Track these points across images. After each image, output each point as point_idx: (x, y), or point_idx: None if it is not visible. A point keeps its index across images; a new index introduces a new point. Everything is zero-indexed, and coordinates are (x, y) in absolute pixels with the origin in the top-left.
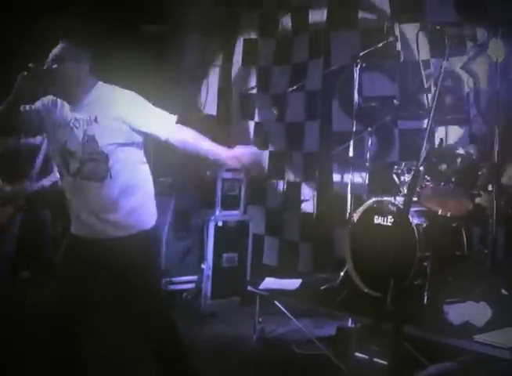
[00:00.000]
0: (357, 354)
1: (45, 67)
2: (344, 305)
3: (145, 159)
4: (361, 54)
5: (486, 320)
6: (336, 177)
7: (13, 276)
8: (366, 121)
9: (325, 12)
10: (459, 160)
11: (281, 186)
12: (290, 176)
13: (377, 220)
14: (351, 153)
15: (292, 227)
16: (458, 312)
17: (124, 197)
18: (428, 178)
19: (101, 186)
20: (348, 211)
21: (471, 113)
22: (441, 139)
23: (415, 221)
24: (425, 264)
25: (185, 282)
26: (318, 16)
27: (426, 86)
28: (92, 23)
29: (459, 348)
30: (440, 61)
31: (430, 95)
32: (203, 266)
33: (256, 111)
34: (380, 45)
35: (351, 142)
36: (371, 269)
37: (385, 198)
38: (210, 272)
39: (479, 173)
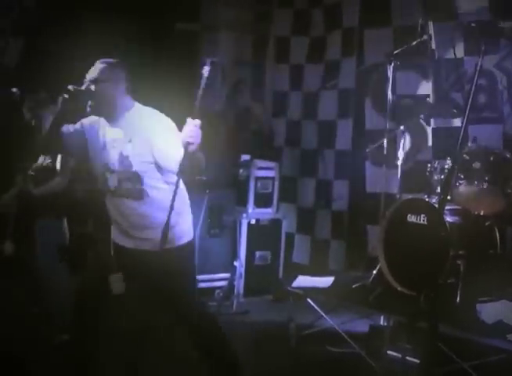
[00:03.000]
0: (389, 352)
1: (83, 88)
2: (376, 304)
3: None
4: (395, 52)
5: None
6: (369, 175)
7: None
8: (399, 120)
9: (358, 9)
10: (492, 158)
11: (313, 183)
12: (322, 174)
13: (411, 218)
14: (384, 152)
15: (323, 225)
16: (491, 311)
17: (160, 216)
18: (461, 176)
19: (138, 204)
20: (381, 209)
21: (505, 111)
22: (475, 138)
23: (448, 219)
24: (458, 262)
25: (217, 279)
26: (351, 13)
27: (460, 85)
28: (127, 34)
29: (492, 347)
30: (474, 59)
31: (463, 94)
32: (235, 264)
33: (288, 109)
34: (414, 43)
35: (385, 141)
36: (404, 267)
37: (419, 196)
38: (242, 270)
39: None
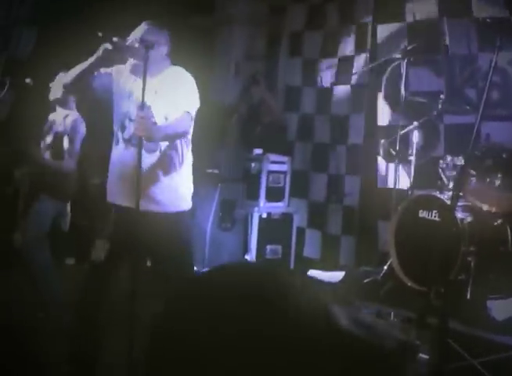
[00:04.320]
0: None
1: (127, 44)
2: (387, 299)
3: (190, 146)
4: (408, 48)
5: None
6: (380, 171)
7: (58, 263)
8: (412, 116)
9: (372, 4)
10: (504, 155)
11: (324, 178)
12: (334, 169)
13: (422, 214)
14: (396, 147)
15: (335, 220)
16: (501, 308)
17: (166, 174)
18: (474, 173)
19: (148, 157)
20: (393, 204)
21: None
22: (488, 134)
23: (460, 216)
24: (469, 259)
25: None
26: (365, 8)
27: (473, 81)
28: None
29: (502, 344)
30: (488, 56)
31: (477, 91)
32: (246, 257)
33: (301, 103)
34: (428, 39)
35: (398, 137)
36: (415, 262)
37: (431, 192)
38: None
39: None
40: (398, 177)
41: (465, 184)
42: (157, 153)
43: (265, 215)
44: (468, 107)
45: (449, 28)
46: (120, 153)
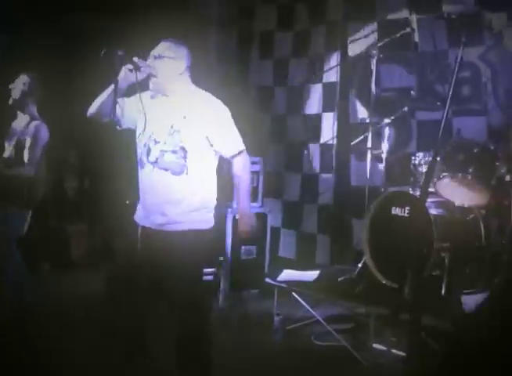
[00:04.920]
0: (375, 345)
1: (147, 63)
2: (362, 297)
3: (216, 167)
4: (378, 45)
5: None
6: (354, 168)
7: (33, 268)
8: (384, 112)
9: (342, 3)
10: (476, 150)
11: (298, 178)
12: (307, 168)
13: (395, 211)
14: (368, 145)
15: (309, 219)
16: (476, 303)
17: (193, 195)
18: (445, 168)
19: (175, 179)
20: (366, 202)
21: (489, 103)
22: (459, 130)
23: (432, 212)
24: (443, 255)
25: (203, 274)
26: (335, 7)
27: (444, 77)
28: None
29: None
30: (458, 52)
31: (448, 87)
32: (221, 258)
33: (273, 104)
34: (397, 35)
35: (369, 134)
36: (389, 260)
37: (402, 189)
38: (228, 265)
39: (496, 163)
40: (371, 174)
41: (437, 180)
42: (184, 175)
43: (238, 216)
44: (439, 103)
45: (419, 25)
46: (147, 175)
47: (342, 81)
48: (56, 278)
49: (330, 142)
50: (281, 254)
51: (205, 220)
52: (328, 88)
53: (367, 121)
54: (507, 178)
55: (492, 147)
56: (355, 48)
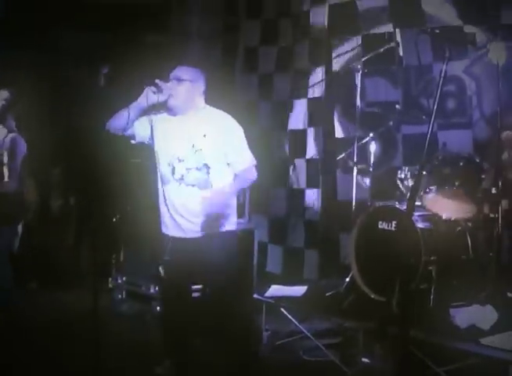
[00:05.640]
0: (363, 359)
1: (168, 84)
2: (350, 311)
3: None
4: (363, 59)
5: (492, 324)
6: (340, 183)
7: (20, 287)
8: (369, 127)
9: (325, 18)
10: (461, 163)
11: (284, 193)
12: (294, 183)
13: (382, 225)
14: (354, 159)
15: (296, 234)
16: (464, 316)
17: (218, 206)
18: (431, 182)
19: (203, 193)
20: (353, 217)
21: (474, 116)
22: (444, 143)
23: (419, 225)
24: (430, 268)
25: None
26: (319, 22)
27: (428, 91)
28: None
29: (465, 351)
30: (442, 65)
31: (433, 100)
32: None
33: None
34: (382, 50)
35: (355, 148)
36: (376, 274)
37: (389, 203)
38: None
39: (482, 176)
40: (358, 189)
41: (424, 193)
42: (209, 190)
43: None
44: (424, 117)
45: (403, 39)
46: (175, 191)
47: (327, 96)
48: (43, 296)
49: (316, 157)
50: (268, 269)
51: (233, 223)
52: (313, 103)
53: (352, 135)
54: (493, 190)
55: (477, 160)
56: (339, 63)
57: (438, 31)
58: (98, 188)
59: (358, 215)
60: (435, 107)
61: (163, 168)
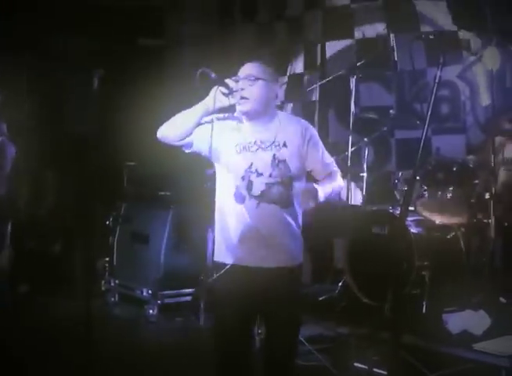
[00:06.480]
0: (356, 364)
1: (239, 84)
2: (343, 316)
3: None
4: (357, 64)
5: (485, 329)
6: None
7: (11, 290)
8: (363, 132)
9: (320, 22)
10: (455, 168)
11: None
12: None
13: (375, 230)
14: (348, 164)
15: None
16: (457, 321)
17: (295, 226)
18: (425, 187)
19: (284, 212)
20: (347, 221)
21: (468, 121)
22: (438, 148)
23: (413, 230)
24: (423, 273)
25: (184, 295)
26: (313, 26)
27: (422, 96)
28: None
29: (458, 356)
30: (436, 70)
31: (427, 105)
32: (201, 278)
33: None
34: (376, 55)
35: (349, 153)
36: (369, 278)
37: (382, 208)
38: (208, 284)
39: (476, 181)
40: (352, 193)
41: (417, 198)
42: (291, 207)
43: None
44: (418, 122)
45: (397, 44)
46: (252, 211)
47: (321, 101)
48: (36, 301)
49: None
50: None
51: (300, 252)
52: (307, 107)
53: (347, 140)
54: (487, 195)
55: (471, 165)
56: (334, 67)
57: (432, 37)
58: (89, 191)
59: (351, 220)
60: (429, 112)
61: (235, 182)
